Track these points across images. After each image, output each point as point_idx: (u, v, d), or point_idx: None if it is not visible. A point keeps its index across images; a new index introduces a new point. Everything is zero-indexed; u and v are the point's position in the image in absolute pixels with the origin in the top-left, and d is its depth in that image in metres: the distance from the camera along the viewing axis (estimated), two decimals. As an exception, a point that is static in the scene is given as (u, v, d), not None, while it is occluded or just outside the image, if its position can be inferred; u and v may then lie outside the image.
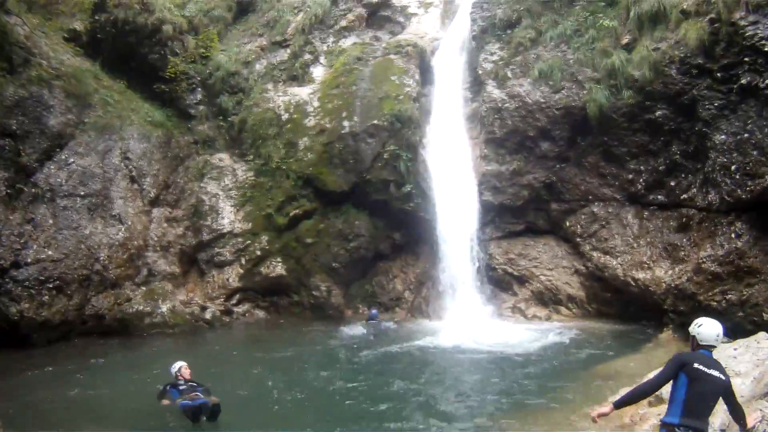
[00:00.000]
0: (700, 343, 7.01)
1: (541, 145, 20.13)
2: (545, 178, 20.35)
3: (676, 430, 6.63)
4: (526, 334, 18.26)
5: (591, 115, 18.37)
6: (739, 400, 7.40)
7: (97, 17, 22.54)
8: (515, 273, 21.09)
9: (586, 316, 19.62)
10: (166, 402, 12.28)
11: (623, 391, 10.00)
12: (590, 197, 19.55)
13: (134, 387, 13.98)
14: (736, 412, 6.99)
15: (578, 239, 19.71)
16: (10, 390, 13.49)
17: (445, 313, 21.28)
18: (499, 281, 21.47)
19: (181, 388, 12.19)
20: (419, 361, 16.11)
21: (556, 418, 11.25)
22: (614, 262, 18.66)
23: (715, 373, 6.70)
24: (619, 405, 7.12)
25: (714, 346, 7.03)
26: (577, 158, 19.63)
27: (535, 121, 19.94)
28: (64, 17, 21.99)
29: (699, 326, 7.07)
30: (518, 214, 21.37)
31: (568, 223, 20.04)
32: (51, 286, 17.51)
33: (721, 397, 6.79)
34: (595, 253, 19.17)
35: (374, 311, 20.75)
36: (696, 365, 6.70)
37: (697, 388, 6.62)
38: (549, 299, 20.46)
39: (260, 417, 11.73)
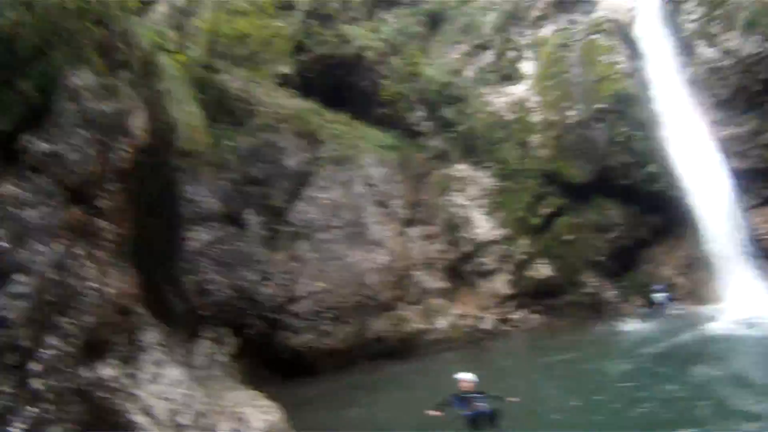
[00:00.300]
0: None
1: (770, 99, 18.43)
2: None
3: None
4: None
5: None
6: None
7: (300, 57, 22.59)
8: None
9: None
10: (434, 412, 11.45)
11: None
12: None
13: (415, 403, 13.18)
14: None
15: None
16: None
17: (718, 294, 20.10)
18: (765, 251, 20.06)
19: (463, 398, 11.74)
20: (703, 354, 14.92)
21: None
22: None
23: None
24: None
25: None
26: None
27: (757, 74, 18.87)
28: (270, 65, 22.02)
29: None
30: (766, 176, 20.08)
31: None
32: (328, 315, 17.73)
33: None
34: None
35: (659, 287, 20.35)
36: None
37: None
38: None
39: (536, 424, 11.32)
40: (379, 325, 18.66)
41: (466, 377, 11.99)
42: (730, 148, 19.82)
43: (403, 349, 18.88)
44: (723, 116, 19.89)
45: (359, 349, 18.22)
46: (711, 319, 17.87)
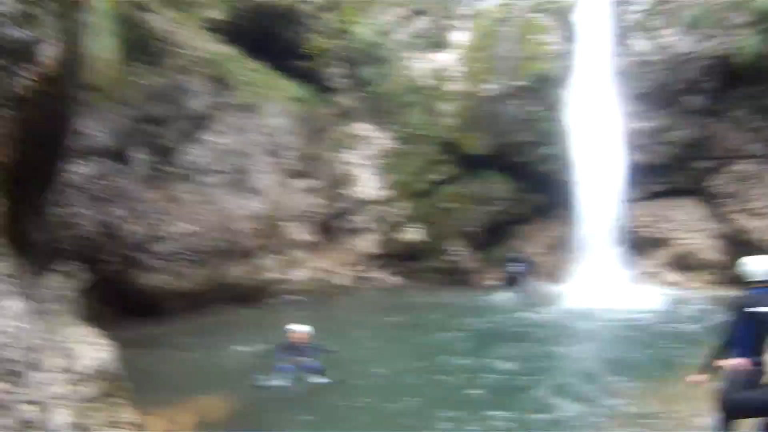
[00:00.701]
0: (754, 279, 7.14)
1: (688, 99, 19.58)
2: (690, 135, 19.89)
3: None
4: (664, 299, 17.81)
5: (743, 63, 17.71)
6: None
7: (234, 3, 23.30)
8: (654, 236, 20.64)
9: (726, 283, 18.41)
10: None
11: None
12: (737, 154, 18.77)
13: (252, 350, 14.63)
14: None
15: (722, 200, 19.07)
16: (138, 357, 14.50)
17: (581, 276, 20.81)
18: (638, 244, 20.76)
19: (290, 349, 12.39)
20: (546, 330, 15.78)
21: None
22: (761, 225, 17.37)
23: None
24: (702, 369, 7.17)
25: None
26: (725, 112, 19.05)
27: (683, 73, 19.41)
28: (202, 9, 22.74)
29: (747, 265, 7.26)
30: (662, 173, 20.86)
31: (711, 183, 19.43)
32: (193, 257, 18.35)
33: None
34: (739, 215, 18.30)
35: (514, 261, 21.47)
36: (757, 309, 6.76)
37: (763, 328, 6.70)
38: (688, 264, 19.77)
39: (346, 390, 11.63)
40: (237, 271, 19.57)
41: (297, 329, 12.49)
42: (636, 140, 20.40)
43: (257, 296, 19.85)
44: (638, 109, 20.42)
45: (213, 292, 19.03)
46: (565, 298, 18.96)
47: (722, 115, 18.83)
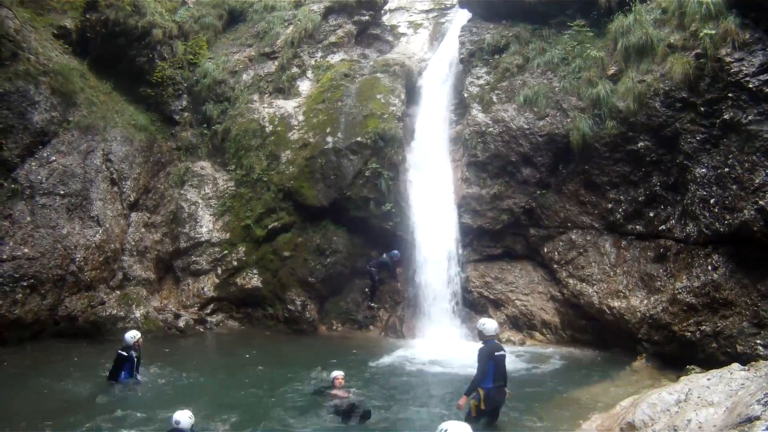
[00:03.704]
0: (486, 335, 11.42)
1: (522, 171, 20.90)
2: (525, 203, 21.07)
3: (492, 388, 11.08)
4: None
5: (574, 143, 19.16)
6: (712, 429, 8.85)
7: (88, 16, 23.39)
8: (491, 296, 21.76)
9: (560, 342, 20.25)
10: None
11: (595, 416, 12.09)
12: (569, 224, 20.26)
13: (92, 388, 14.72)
14: (505, 376, 11.59)
15: (555, 266, 20.41)
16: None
17: (419, 332, 21.74)
18: (475, 304, 22.09)
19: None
20: (380, 378, 16.64)
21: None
22: (590, 290, 19.21)
23: (502, 353, 11.41)
24: (467, 393, 11.16)
25: (495, 336, 11.69)
26: (558, 185, 20.41)
27: (518, 147, 20.69)
28: (56, 14, 22.67)
29: (483, 325, 11.60)
30: (496, 237, 22.03)
31: (545, 249, 20.74)
32: (25, 284, 17.61)
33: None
34: (571, 280, 19.74)
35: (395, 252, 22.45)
36: (495, 353, 11.18)
37: (498, 366, 11.18)
38: (524, 324, 21.16)
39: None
40: (75, 304, 19.20)
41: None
42: (469, 205, 21.61)
43: (94, 332, 19.59)
44: (472, 175, 21.60)
45: (49, 324, 18.70)
46: (402, 350, 19.69)
47: (555, 188, 20.09)
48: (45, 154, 19.29)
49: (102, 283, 19.87)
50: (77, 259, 18.97)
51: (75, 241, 19.05)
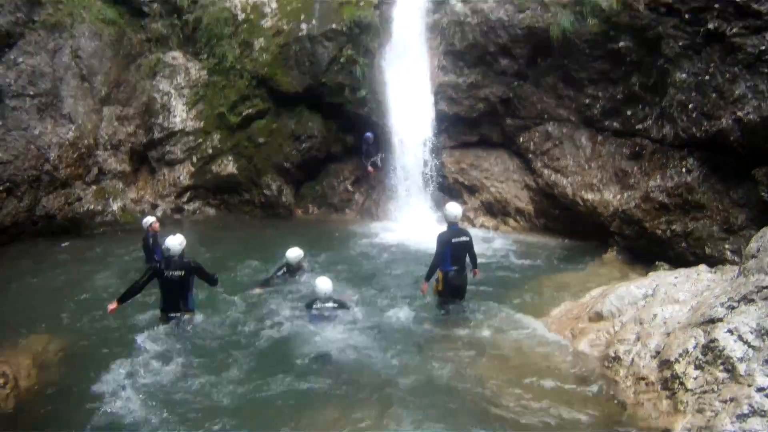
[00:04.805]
0: (447, 220, 12.03)
1: (500, 62, 20.63)
2: (502, 93, 20.91)
3: (450, 271, 11.85)
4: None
5: (554, 37, 18.75)
6: (676, 326, 9.32)
7: None
8: (466, 183, 21.91)
9: (533, 229, 20.56)
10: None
11: (564, 304, 12.82)
12: (545, 116, 20.20)
13: (81, 285, 14.92)
14: (473, 259, 12.36)
15: (530, 155, 20.47)
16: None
17: (394, 215, 22.16)
18: (450, 189, 22.26)
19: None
20: (359, 259, 17.39)
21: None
22: (564, 181, 19.32)
23: (462, 238, 11.86)
24: (427, 278, 11.93)
25: (456, 223, 12.04)
26: (536, 77, 20.19)
27: (497, 38, 20.31)
28: None
29: (446, 210, 12.10)
30: (472, 125, 22.00)
31: (521, 139, 20.78)
32: (1, 188, 17.75)
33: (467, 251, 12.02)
34: (546, 171, 19.84)
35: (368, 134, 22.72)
36: (453, 240, 11.67)
37: (456, 251, 11.73)
38: (498, 210, 21.38)
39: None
40: (52, 203, 19.31)
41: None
42: (445, 92, 21.45)
43: (73, 228, 19.78)
44: (449, 64, 21.37)
45: (27, 225, 18.84)
46: (377, 233, 20.45)
47: (533, 80, 20.03)
48: (12, 57, 19.02)
49: (77, 179, 19.78)
50: (51, 158, 18.92)
51: (48, 140, 18.96)
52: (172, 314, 11.38)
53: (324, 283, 11.74)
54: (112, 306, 11.12)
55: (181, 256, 11.27)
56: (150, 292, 11.86)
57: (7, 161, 17.80)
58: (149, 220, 15.45)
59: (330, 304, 11.96)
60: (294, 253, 13.83)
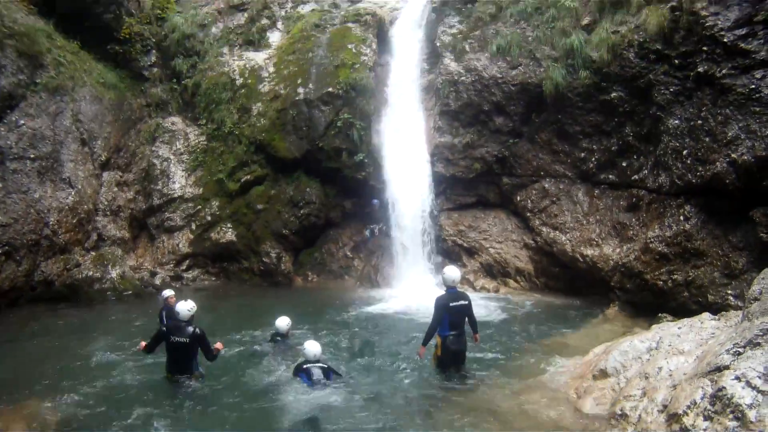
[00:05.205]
0: (446, 284, 11.65)
1: (495, 120, 20.90)
2: (498, 152, 21.11)
3: (449, 336, 11.42)
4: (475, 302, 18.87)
5: (547, 92, 19.07)
6: (682, 377, 8.92)
7: None
8: (465, 245, 21.96)
9: (534, 289, 20.53)
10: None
11: (568, 363, 12.43)
12: (542, 173, 20.34)
13: (78, 351, 14.64)
14: (473, 324, 11.90)
15: (528, 214, 20.57)
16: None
17: (394, 282, 22.01)
18: (449, 252, 22.36)
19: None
20: (357, 326, 17.06)
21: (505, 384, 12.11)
22: (563, 238, 19.40)
23: (461, 302, 11.46)
24: (424, 343, 11.60)
25: (455, 287, 11.63)
26: (531, 134, 20.39)
27: (491, 96, 20.63)
28: None
29: (444, 273, 11.76)
30: (470, 186, 22.19)
31: (518, 198, 20.88)
32: (0, 251, 17.47)
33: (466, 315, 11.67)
34: (544, 228, 19.93)
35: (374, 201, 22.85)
36: (450, 304, 11.30)
37: (454, 315, 11.39)
38: (498, 272, 21.39)
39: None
40: (51, 268, 19.01)
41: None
42: (442, 154, 21.66)
43: (71, 295, 19.60)
44: (445, 125, 21.61)
45: (26, 290, 18.62)
46: (377, 300, 20.03)
47: (528, 137, 20.17)
48: (13, 119, 18.97)
49: (77, 245, 19.81)
50: (51, 223, 18.83)
51: (48, 204, 18.90)
52: (177, 376, 11.40)
53: (312, 346, 11.71)
54: (142, 345, 11.74)
55: (189, 322, 11.31)
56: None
57: (7, 224, 17.60)
58: (168, 293, 15.37)
59: (319, 365, 11.91)
60: (283, 322, 13.96)
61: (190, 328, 11.24)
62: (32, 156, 19.01)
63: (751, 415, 7.19)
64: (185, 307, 11.27)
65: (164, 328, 11.76)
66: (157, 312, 15.34)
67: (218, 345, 11.72)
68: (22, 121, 19.14)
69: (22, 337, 15.85)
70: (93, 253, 20.35)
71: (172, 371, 11.42)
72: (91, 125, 21.15)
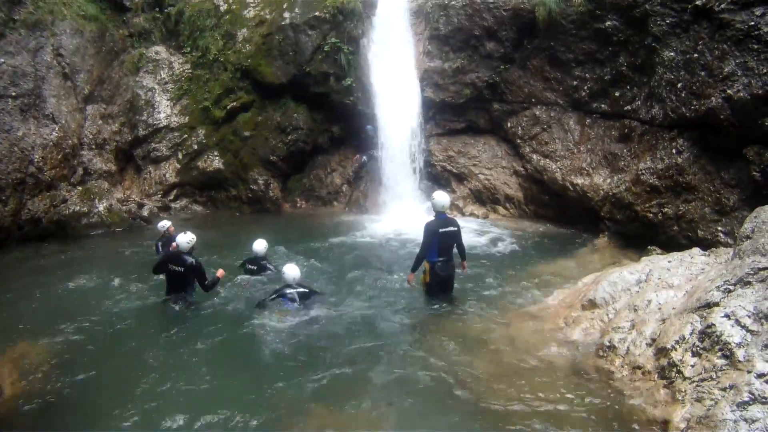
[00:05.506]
0: (435, 210, 11.59)
1: (486, 45, 20.45)
2: (488, 77, 20.76)
3: (437, 262, 11.51)
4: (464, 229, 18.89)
5: (539, 18, 18.58)
6: (671, 311, 9.05)
7: None
8: (454, 170, 21.84)
9: (523, 216, 20.52)
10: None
11: (556, 292, 12.52)
12: (533, 100, 20.04)
13: (69, 288, 14.66)
14: (461, 251, 11.92)
15: (519, 141, 20.36)
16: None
17: (382, 207, 21.97)
18: (438, 178, 22.25)
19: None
20: (345, 251, 17.12)
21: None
22: (553, 166, 19.23)
23: (450, 228, 11.47)
24: (413, 270, 11.76)
25: (444, 212, 11.61)
26: (522, 60, 20.00)
27: (482, 21, 20.13)
28: None
29: (433, 199, 11.62)
30: (459, 112, 21.91)
31: (509, 124, 20.63)
32: None
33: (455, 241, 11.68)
34: (534, 156, 19.75)
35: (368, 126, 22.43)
36: (440, 229, 11.28)
37: (443, 241, 11.40)
38: (487, 198, 21.29)
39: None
40: (37, 206, 19.00)
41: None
42: (431, 79, 21.29)
43: (59, 231, 19.49)
44: (434, 49, 21.15)
45: (13, 230, 18.47)
46: (366, 225, 20.23)
47: (520, 63, 19.83)
48: (-7, 57, 18.96)
49: (63, 180, 19.62)
50: (35, 160, 18.66)
51: (32, 141, 18.69)
52: (174, 296, 12.23)
53: (291, 270, 11.89)
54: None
55: (188, 253, 12.03)
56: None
57: (-9, 163, 17.47)
58: (167, 223, 15.96)
59: (300, 290, 12.02)
60: (260, 245, 14.24)
61: (188, 258, 11.95)
62: (13, 94, 18.68)
63: (740, 354, 7.13)
64: (185, 239, 11.98)
65: (164, 256, 12.96)
66: (151, 243, 15.90)
67: (220, 272, 12.40)
68: (2, 59, 18.77)
69: (10, 279, 15.68)
70: (79, 188, 20.14)
71: (169, 294, 12.24)
72: (72, 59, 20.91)
